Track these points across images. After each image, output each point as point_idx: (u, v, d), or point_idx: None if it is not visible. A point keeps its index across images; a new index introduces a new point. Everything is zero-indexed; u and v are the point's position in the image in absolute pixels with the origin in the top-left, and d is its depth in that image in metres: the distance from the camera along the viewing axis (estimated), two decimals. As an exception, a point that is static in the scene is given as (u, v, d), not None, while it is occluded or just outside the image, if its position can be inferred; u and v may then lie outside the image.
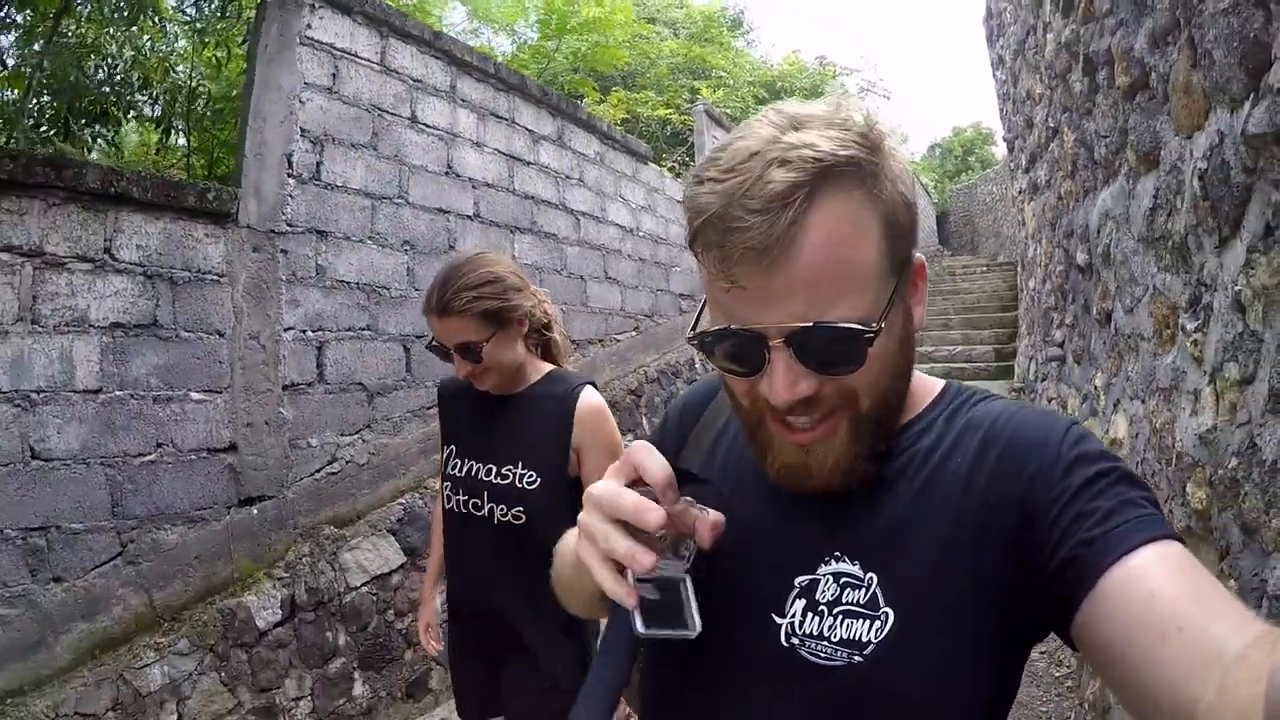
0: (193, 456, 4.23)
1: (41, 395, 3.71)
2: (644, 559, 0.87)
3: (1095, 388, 4.56)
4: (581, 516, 0.94)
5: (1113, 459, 0.94)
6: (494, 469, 2.37)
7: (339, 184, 5.14)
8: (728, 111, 10.41)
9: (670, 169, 9.18)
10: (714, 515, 0.94)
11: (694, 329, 1.01)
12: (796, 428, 0.98)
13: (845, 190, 0.89)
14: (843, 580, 1.00)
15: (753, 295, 0.90)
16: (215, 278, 4.43)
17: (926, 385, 1.14)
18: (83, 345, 3.87)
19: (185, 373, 4.25)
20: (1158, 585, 0.80)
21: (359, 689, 4.75)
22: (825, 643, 0.97)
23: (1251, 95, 1.99)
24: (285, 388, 4.69)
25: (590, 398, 2.40)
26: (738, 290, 0.91)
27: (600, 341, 6.95)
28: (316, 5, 5.03)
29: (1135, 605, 0.80)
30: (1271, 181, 1.93)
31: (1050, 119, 5.47)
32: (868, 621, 0.96)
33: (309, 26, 4.99)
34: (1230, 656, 0.70)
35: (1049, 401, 6.33)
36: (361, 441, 5.04)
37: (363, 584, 4.83)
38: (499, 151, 6.26)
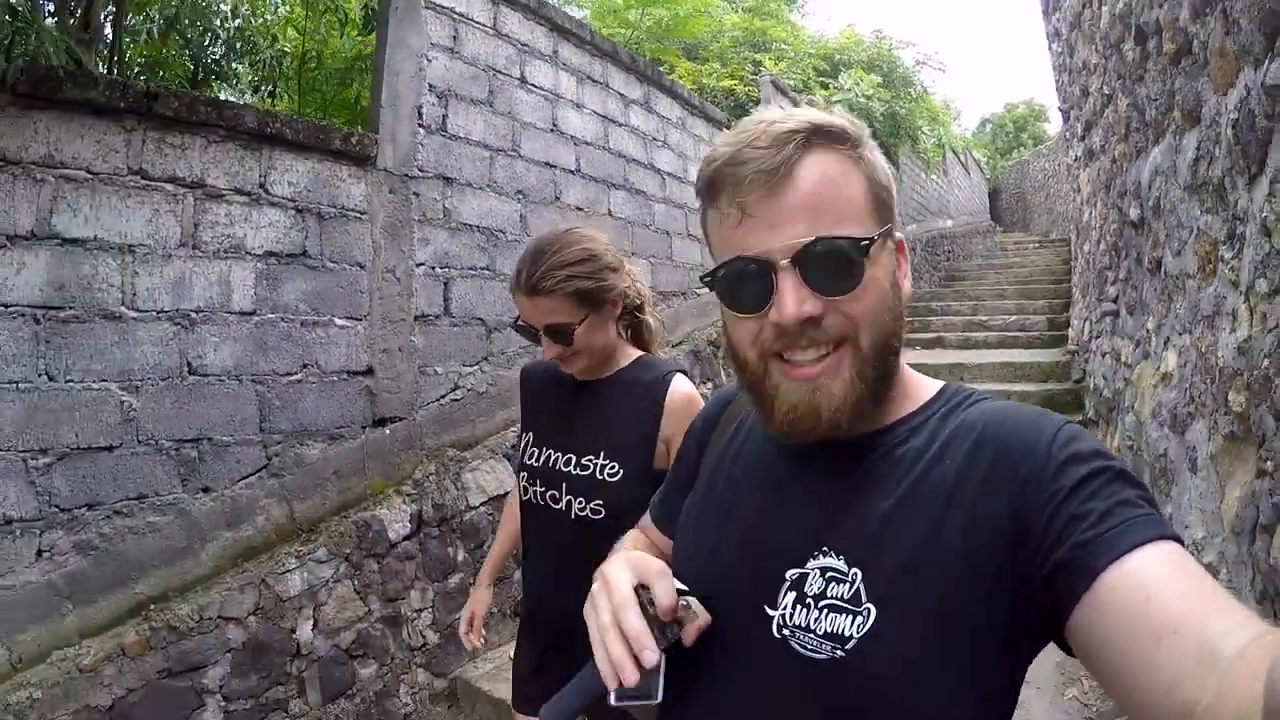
0: (334, 378, 4.20)
1: (200, 315, 3.68)
2: (649, 658, 0.90)
3: (1147, 331, 4.50)
4: (596, 596, 0.99)
5: (1107, 457, 0.88)
6: (574, 459, 2.06)
7: (462, 135, 5.06)
8: (790, 83, 10.16)
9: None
10: (703, 619, 0.99)
11: (709, 273, 1.02)
12: (803, 363, 0.97)
13: (834, 147, 0.97)
14: (829, 574, 0.96)
15: (760, 222, 0.95)
16: (357, 215, 4.37)
17: (924, 384, 1.10)
18: (239, 270, 3.83)
19: (330, 300, 4.21)
20: (1154, 588, 0.75)
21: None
22: (812, 635, 0.94)
23: (1269, 54, 2.22)
24: (416, 318, 4.65)
25: (681, 386, 2.07)
26: (747, 221, 0.95)
27: (683, 294, 6.85)
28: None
29: (1131, 608, 0.75)
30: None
31: (1105, 87, 5.42)
32: (850, 616, 0.92)
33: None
34: (1228, 658, 0.66)
35: (1103, 356, 6.25)
36: (480, 372, 5.00)
37: (480, 504, 4.79)
38: (595, 113, 6.16)
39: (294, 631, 3.68)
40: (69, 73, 3.25)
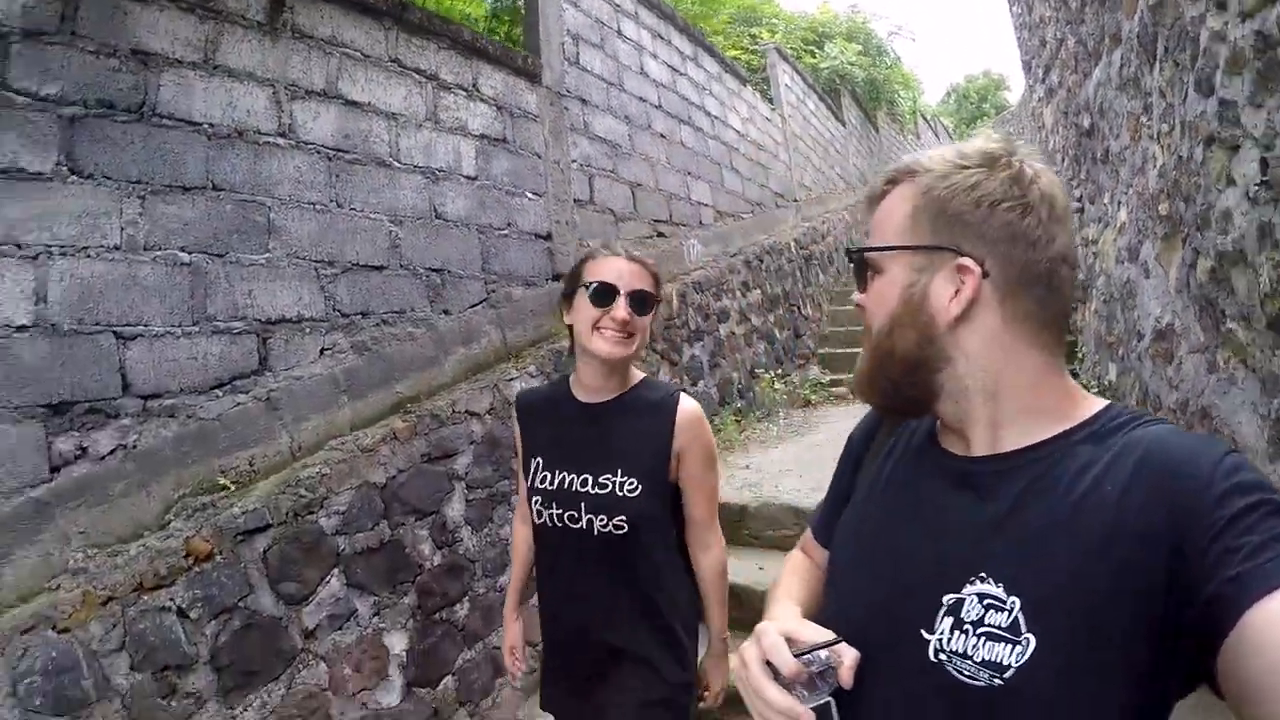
0: (527, 237, 4.26)
1: (441, 174, 3.73)
2: None
3: (1104, 205, 4.67)
4: (739, 681, 0.88)
5: (1269, 490, 0.71)
6: (590, 478, 1.77)
7: (588, 69, 5.11)
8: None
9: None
10: (850, 657, 0.85)
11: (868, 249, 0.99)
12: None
13: (908, 183, 0.91)
14: (986, 601, 0.79)
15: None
16: (533, 117, 4.43)
17: (1084, 402, 0.89)
18: (465, 144, 3.89)
19: (521, 178, 4.27)
20: None
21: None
22: (969, 662, 0.78)
23: None
24: (574, 201, 4.69)
25: (689, 403, 1.83)
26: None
27: (733, 216, 6.93)
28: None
29: (1274, 647, 0.62)
30: (1164, 24, 2.48)
31: (1058, 33, 5.60)
32: (1009, 645, 0.76)
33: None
34: None
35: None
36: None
37: (627, 346, 4.86)
38: (665, 63, 6.20)
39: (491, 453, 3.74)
40: None
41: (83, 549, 2.30)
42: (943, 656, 0.80)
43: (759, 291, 6.81)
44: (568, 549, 1.81)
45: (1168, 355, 2.91)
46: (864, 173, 11.79)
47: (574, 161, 4.73)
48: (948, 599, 0.82)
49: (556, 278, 4.40)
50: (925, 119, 17.74)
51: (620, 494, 1.74)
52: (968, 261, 0.86)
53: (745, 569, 3.59)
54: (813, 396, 6.53)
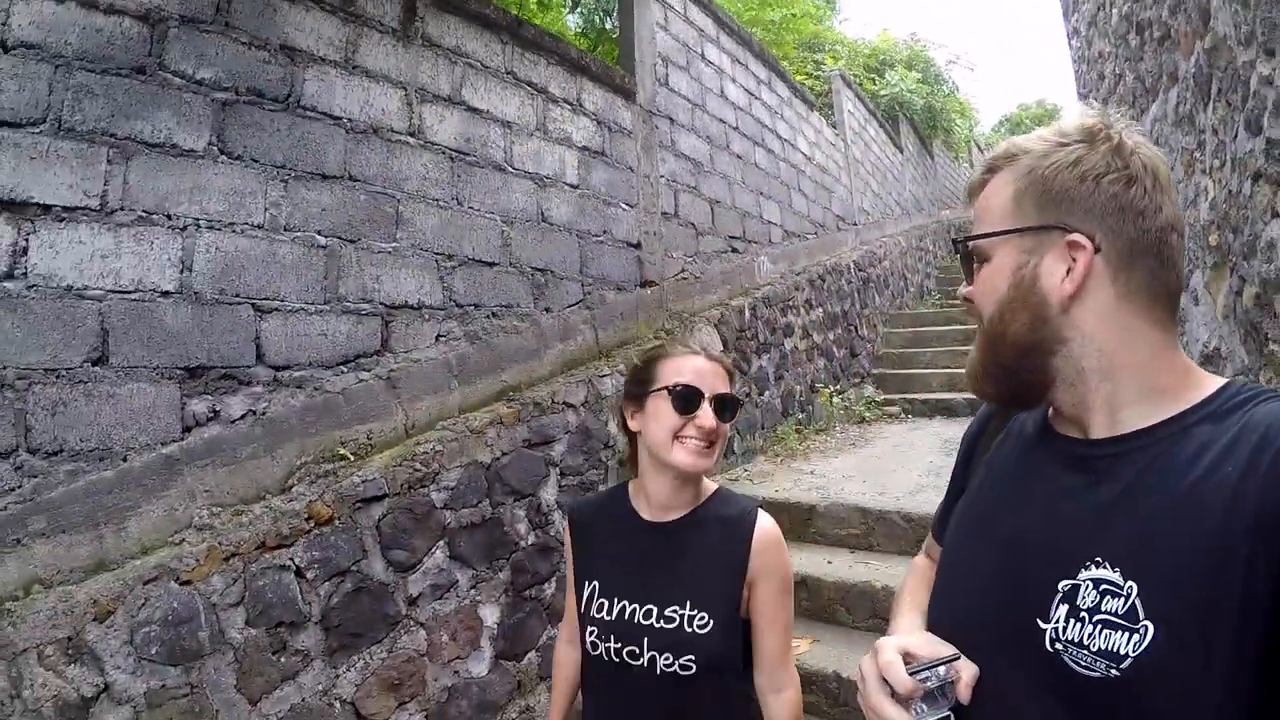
0: (620, 245, 4.22)
1: (547, 180, 3.71)
2: None
3: None
4: (865, 672, 0.82)
5: None
6: (654, 610, 1.45)
7: (675, 89, 5.06)
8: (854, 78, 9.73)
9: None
10: (968, 673, 0.78)
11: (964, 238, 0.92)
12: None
13: (1008, 169, 0.86)
14: (1102, 587, 0.72)
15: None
16: (627, 133, 4.39)
17: (1202, 380, 0.80)
18: (569, 154, 3.86)
19: (616, 189, 4.22)
20: None
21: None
22: (1085, 651, 0.71)
23: (1208, 31, 2.43)
24: (661, 214, 4.63)
25: (767, 523, 1.51)
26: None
27: (798, 236, 6.81)
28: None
29: None
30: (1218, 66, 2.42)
31: (1116, 69, 5.45)
32: (1126, 634, 0.68)
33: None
34: None
35: None
36: (694, 263, 4.99)
37: (703, 353, 4.77)
38: (743, 87, 6.13)
39: (607, 424, 3.66)
40: None
41: (208, 507, 2.28)
42: (1059, 645, 0.73)
43: (820, 310, 6.67)
44: (625, 688, 1.46)
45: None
46: (919, 199, 11.52)
47: (662, 176, 4.67)
48: (1063, 585, 0.75)
49: (644, 284, 4.34)
50: (979, 147, 17.03)
51: (689, 629, 1.42)
52: (1078, 238, 0.79)
53: (814, 562, 3.65)
54: (867, 414, 6.36)
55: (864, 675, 0.81)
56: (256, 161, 2.47)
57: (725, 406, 1.48)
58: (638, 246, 4.32)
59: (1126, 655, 0.67)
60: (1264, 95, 2.02)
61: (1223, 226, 2.60)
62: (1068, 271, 0.79)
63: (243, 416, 2.37)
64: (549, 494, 3.26)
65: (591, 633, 1.49)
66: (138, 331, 2.18)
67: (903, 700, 0.78)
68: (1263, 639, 0.63)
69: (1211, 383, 0.78)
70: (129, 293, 2.18)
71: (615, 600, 1.49)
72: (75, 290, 2.08)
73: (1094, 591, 0.72)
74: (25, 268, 2.00)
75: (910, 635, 0.85)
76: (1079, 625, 0.71)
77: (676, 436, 1.45)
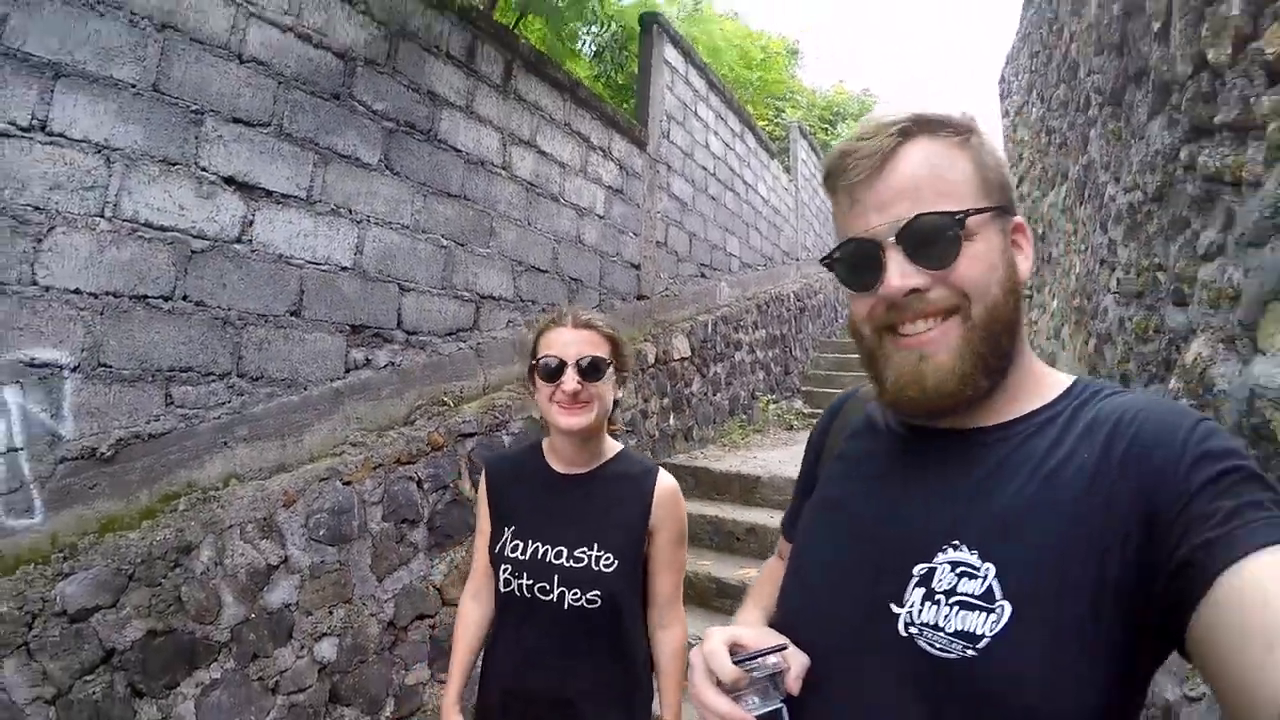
0: (626, 265, 5.06)
1: (584, 211, 4.53)
2: None
3: (1044, 295, 5.44)
4: (693, 662, 0.77)
5: (1241, 456, 0.64)
6: (565, 550, 1.55)
7: (674, 141, 5.92)
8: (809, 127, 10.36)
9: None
10: (798, 663, 0.76)
11: (825, 257, 0.82)
12: (912, 334, 0.75)
13: (939, 135, 0.76)
14: (960, 569, 0.70)
15: (867, 206, 0.76)
16: (638, 176, 5.23)
17: (1054, 379, 0.81)
18: (599, 191, 4.69)
19: (628, 220, 5.07)
20: (1273, 590, 0.54)
21: (671, 421, 5.56)
22: (940, 634, 0.68)
23: (1085, 148, 3.30)
24: (655, 243, 5.48)
25: (668, 480, 1.64)
26: (856, 207, 0.77)
27: (751, 267, 7.74)
28: (664, 40, 5.80)
29: (1246, 611, 0.54)
30: (1090, 178, 2.81)
31: (1030, 156, 6.13)
32: (983, 614, 0.67)
33: (665, 52, 5.75)
34: None
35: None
36: (675, 283, 5.84)
37: (678, 358, 5.63)
38: (722, 140, 6.99)
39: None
40: (543, 57, 4.08)
41: (358, 430, 2.98)
42: (913, 630, 0.70)
43: (764, 331, 7.63)
44: (534, 621, 1.54)
45: None
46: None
47: (658, 212, 5.53)
48: (918, 569, 0.72)
49: (640, 297, 5.18)
50: None
51: (596, 568, 1.52)
52: (1022, 220, 0.80)
53: (762, 516, 4.35)
54: (795, 422, 7.34)
55: (692, 665, 0.77)
56: (408, 178, 3.19)
57: (591, 368, 1.53)
58: (638, 267, 5.16)
59: (983, 635, 0.65)
60: (1109, 208, 2.82)
61: (1080, 294, 3.41)
62: (1023, 255, 0.79)
63: (385, 365, 3.09)
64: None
65: (506, 570, 1.57)
66: (323, 294, 2.88)
67: (731, 692, 0.74)
68: (1117, 616, 0.62)
69: (1064, 379, 0.79)
70: (320, 264, 2.88)
71: (529, 542, 1.57)
72: (284, 258, 2.77)
73: (951, 574, 0.69)
74: (250, 236, 2.68)
75: (744, 627, 0.82)
76: (934, 608, 0.69)
77: (552, 400, 1.55)
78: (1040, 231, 5.58)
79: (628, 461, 1.67)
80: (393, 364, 3.12)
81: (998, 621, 0.65)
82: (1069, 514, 0.66)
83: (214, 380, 2.53)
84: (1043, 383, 0.79)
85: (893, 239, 0.73)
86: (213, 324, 2.54)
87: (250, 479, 2.64)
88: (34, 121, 2.16)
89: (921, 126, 0.76)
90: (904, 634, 0.70)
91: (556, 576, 1.54)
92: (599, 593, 1.51)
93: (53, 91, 2.19)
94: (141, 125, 2.37)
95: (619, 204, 4.91)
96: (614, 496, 1.60)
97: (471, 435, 3.29)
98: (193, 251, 2.49)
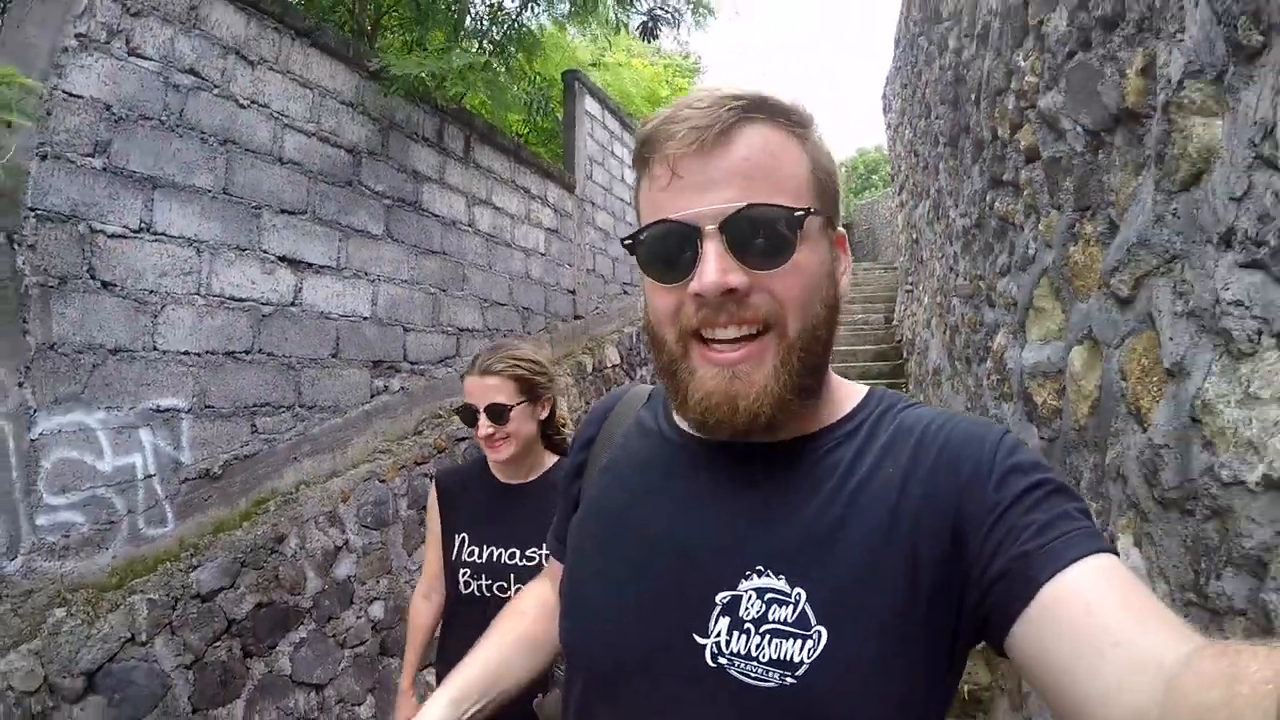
0: (564, 291, 5.90)
1: (530, 251, 5.38)
2: None
3: (919, 291, 6.57)
4: None
5: (1047, 470, 0.61)
6: (518, 551, 1.66)
7: (596, 180, 6.77)
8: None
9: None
10: None
11: (631, 236, 0.66)
12: (723, 346, 0.62)
13: (778, 121, 0.63)
14: (768, 596, 0.61)
15: (689, 184, 0.61)
16: (569, 215, 6.08)
17: (850, 389, 0.73)
18: (540, 234, 5.53)
19: (564, 254, 5.91)
20: (1094, 599, 0.52)
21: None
22: (755, 663, 0.60)
23: (937, 180, 4.14)
24: (586, 270, 6.33)
25: None
26: (676, 182, 0.62)
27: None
28: (584, 93, 6.61)
29: (1071, 620, 0.52)
30: (941, 201, 4.10)
31: (905, 167, 6.72)
32: (799, 641, 0.59)
33: (585, 103, 6.60)
34: (1169, 667, 0.45)
35: (906, 318, 7.51)
36: (604, 303, 6.69)
37: (610, 365, 6.49)
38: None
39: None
40: (493, 129, 4.89)
41: (383, 440, 3.72)
42: (723, 660, 0.61)
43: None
44: (492, 619, 1.52)
45: (937, 383, 4.80)
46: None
47: (587, 244, 6.38)
48: (721, 598, 0.63)
49: (577, 317, 6.04)
50: None
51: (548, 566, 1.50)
52: (843, 233, 0.70)
53: None
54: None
55: None
56: (403, 242, 3.94)
57: (495, 413, 1.62)
58: (573, 292, 6.01)
59: (801, 662, 0.59)
60: (953, 227, 3.56)
61: (940, 293, 4.18)
62: (843, 269, 0.70)
63: (398, 390, 3.83)
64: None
65: (464, 574, 1.67)
66: (352, 339, 3.60)
67: None
68: (929, 627, 0.60)
69: (858, 389, 0.74)
70: (349, 316, 3.60)
71: (484, 546, 1.67)
72: (324, 314, 3.48)
73: (759, 601, 0.62)
74: (300, 300, 3.39)
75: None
76: (744, 638, 0.61)
77: (479, 437, 1.67)
78: (915, 236, 6.39)
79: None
80: (403, 388, 3.86)
81: (815, 647, 0.59)
82: (877, 530, 0.61)
83: (284, 411, 3.23)
84: (838, 392, 0.72)
85: (715, 227, 0.60)
86: (280, 369, 3.24)
87: (315, 483, 3.35)
88: (142, 224, 2.81)
89: (764, 109, 0.63)
90: (712, 665, 0.62)
91: (512, 575, 1.65)
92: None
93: (153, 199, 2.85)
94: (219, 221, 3.05)
95: (556, 241, 5.74)
96: (556, 501, 1.62)
97: (464, 439, 4.07)
98: (263, 315, 3.18)
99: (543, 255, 5.49)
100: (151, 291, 2.81)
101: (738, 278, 0.60)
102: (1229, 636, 0.88)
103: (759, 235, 0.60)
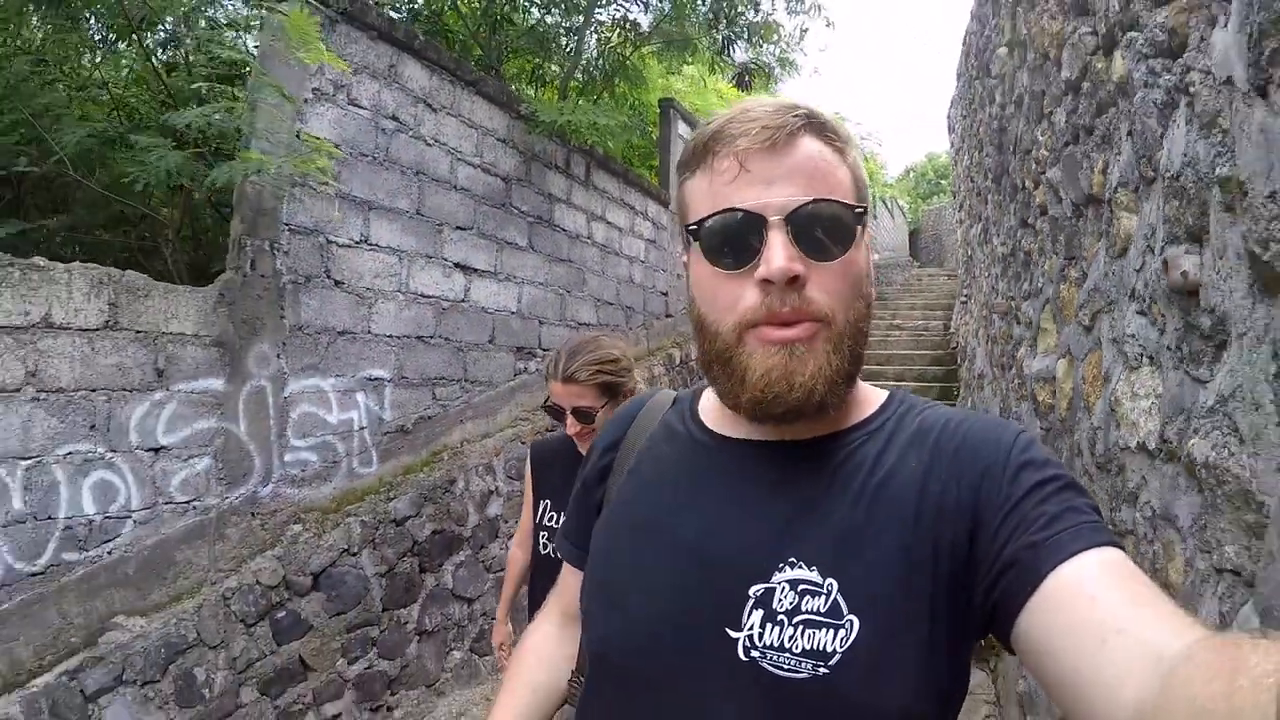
0: (659, 293, 6.54)
1: (633, 259, 6.03)
2: None
3: (970, 303, 6.92)
4: None
5: (1059, 467, 0.62)
6: None
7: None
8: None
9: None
10: None
11: (693, 222, 0.65)
12: (780, 327, 0.61)
13: (824, 136, 0.65)
14: (800, 588, 0.62)
15: (756, 178, 0.62)
16: (663, 227, 6.72)
17: (873, 392, 0.74)
18: (641, 244, 6.23)
19: (660, 261, 6.58)
20: (1098, 590, 0.52)
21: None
22: (788, 654, 0.60)
23: (986, 207, 4.56)
24: (676, 275, 6.97)
25: None
26: (744, 176, 0.62)
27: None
28: (677, 118, 7.17)
29: (1075, 609, 0.52)
30: (990, 228, 4.48)
31: (964, 190, 6.75)
32: (831, 630, 0.59)
33: (677, 127, 7.21)
34: (1171, 658, 0.44)
35: (962, 325, 7.95)
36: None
37: (695, 358, 7.09)
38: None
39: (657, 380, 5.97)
40: (608, 157, 5.57)
41: (524, 410, 4.47)
42: (755, 653, 0.61)
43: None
44: None
45: (980, 386, 5.14)
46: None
47: (678, 252, 7.02)
48: (755, 590, 0.63)
49: (668, 315, 6.70)
50: (881, 201, 16.91)
51: None
52: (870, 228, 0.71)
53: None
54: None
55: None
56: (540, 252, 4.68)
57: (581, 415, 1.69)
58: (666, 294, 6.68)
59: (834, 652, 0.59)
60: (995, 252, 3.97)
61: (985, 307, 4.49)
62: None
63: (534, 371, 4.58)
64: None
65: (544, 536, 1.79)
66: (503, 329, 4.36)
67: None
68: (949, 614, 0.60)
69: (880, 392, 0.74)
70: (501, 311, 4.36)
71: (562, 514, 1.73)
72: (485, 309, 4.25)
73: (792, 593, 0.62)
74: (468, 297, 4.15)
75: None
76: (778, 629, 0.61)
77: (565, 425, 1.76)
78: (969, 253, 6.71)
79: None
80: (539, 370, 4.60)
81: (847, 637, 0.59)
82: (902, 523, 0.62)
83: (454, 384, 4.00)
84: (862, 394, 0.72)
85: (781, 218, 0.60)
86: (453, 351, 4.02)
87: (475, 441, 4.13)
88: (361, 237, 3.61)
89: (815, 123, 0.65)
90: (744, 658, 0.61)
91: None
92: None
93: (369, 218, 3.65)
94: (414, 236, 3.83)
95: (653, 250, 6.42)
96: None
97: (585, 416, 4.79)
98: (442, 309, 3.97)
99: (643, 262, 6.18)
100: (368, 289, 3.61)
101: (801, 266, 0.60)
102: (1138, 560, 0.97)
103: (821, 229, 0.62)
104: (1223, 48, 1.08)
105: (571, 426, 1.71)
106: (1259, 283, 0.97)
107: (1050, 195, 2.40)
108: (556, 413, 1.72)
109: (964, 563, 0.59)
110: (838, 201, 0.62)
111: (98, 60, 3.96)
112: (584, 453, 1.73)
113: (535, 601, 1.87)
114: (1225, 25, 1.07)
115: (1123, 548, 0.56)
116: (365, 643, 3.42)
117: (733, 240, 0.62)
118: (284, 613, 3.10)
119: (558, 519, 1.79)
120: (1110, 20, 1.67)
